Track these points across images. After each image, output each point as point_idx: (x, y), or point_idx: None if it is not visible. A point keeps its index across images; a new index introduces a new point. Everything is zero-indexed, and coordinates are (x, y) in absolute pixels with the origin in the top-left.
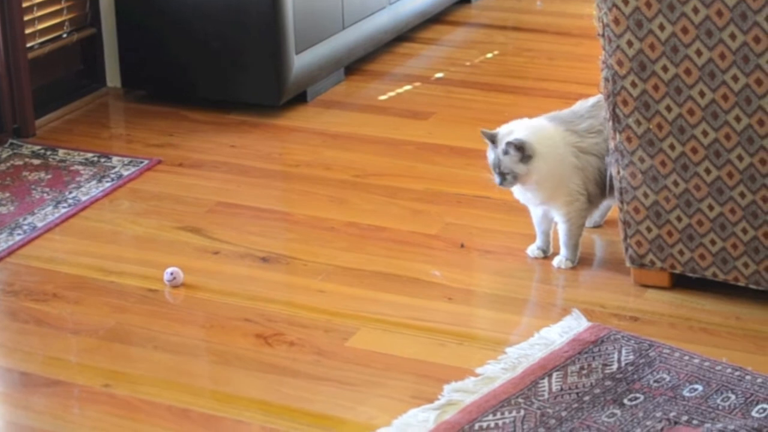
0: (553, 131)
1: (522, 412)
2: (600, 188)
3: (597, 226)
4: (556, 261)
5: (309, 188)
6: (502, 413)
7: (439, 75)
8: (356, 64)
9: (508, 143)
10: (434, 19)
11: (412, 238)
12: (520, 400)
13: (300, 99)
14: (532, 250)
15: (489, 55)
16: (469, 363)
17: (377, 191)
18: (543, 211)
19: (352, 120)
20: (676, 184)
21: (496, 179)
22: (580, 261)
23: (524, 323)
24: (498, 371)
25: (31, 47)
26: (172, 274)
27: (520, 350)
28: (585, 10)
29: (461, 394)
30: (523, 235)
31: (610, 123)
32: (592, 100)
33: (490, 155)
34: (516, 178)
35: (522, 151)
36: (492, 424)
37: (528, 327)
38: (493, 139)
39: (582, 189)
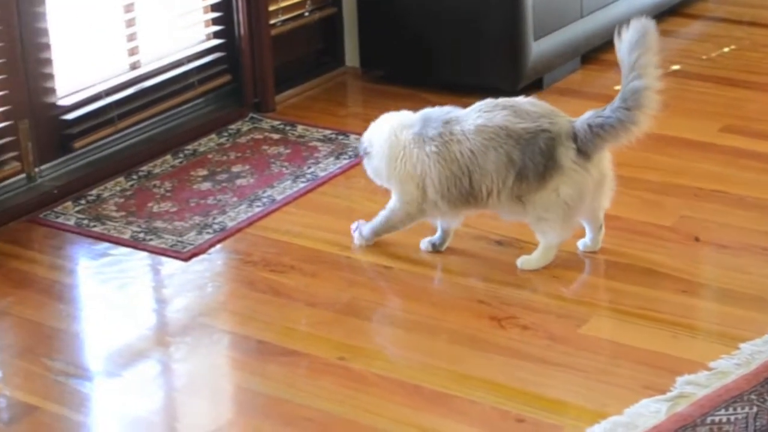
0: (396, 134)
1: (755, 409)
2: (452, 199)
3: (592, 252)
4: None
5: None
6: (734, 409)
7: (675, 67)
8: (593, 52)
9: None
10: (671, 11)
11: (646, 228)
12: (753, 396)
13: (536, 85)
14: (424, 242)
15: (725, 50)
16: (701, 356)
17: None
18: None
19: (587, 108)
20: None
21: None
22: None
23: (759, 320)
24: (731, 366)
25: (274, 24)
26: (358, 224)
27: (754, 346)
28: None
29: (693, 387)
30: (760, 231)
31: None
32: (481, 104)
33: None
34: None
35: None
36: (724, 419)
37: (762, 324)
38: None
39: (411, 197)
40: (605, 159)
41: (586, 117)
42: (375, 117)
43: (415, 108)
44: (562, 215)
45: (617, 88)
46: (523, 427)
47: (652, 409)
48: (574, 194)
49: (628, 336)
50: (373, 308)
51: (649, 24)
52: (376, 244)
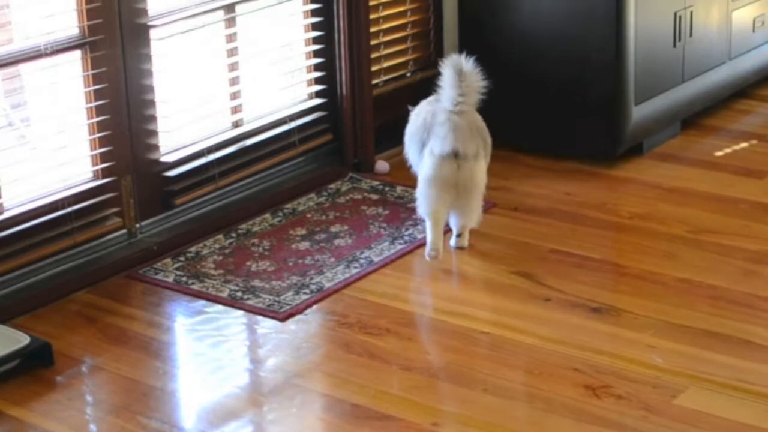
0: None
1: None
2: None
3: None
4: None
5: (642, 241)
6: None
7: None
8: (692, 118)
9: None
10: None
11: (744, 298)
12: None
13: (635, 150)
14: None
15: None
16: None
17: (710, 248)
18: None
19: (686, 174)
20: None
21: None
22: None
23: None
24: None
25: (376, 84)
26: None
27: None
28: None
29: None
30: None
31: None
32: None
33: None
34: None
35: None
36: None
37: None
38: None
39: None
40: (466, 170)
41: None
42: None
43: (516, 171)
44: (420, 189)
45: (718, 153)
46: None
47: None
48: (424, 179)
49: (725, 409)
50: (468, 374)
51: (460, 61)
52: (471, 306)
